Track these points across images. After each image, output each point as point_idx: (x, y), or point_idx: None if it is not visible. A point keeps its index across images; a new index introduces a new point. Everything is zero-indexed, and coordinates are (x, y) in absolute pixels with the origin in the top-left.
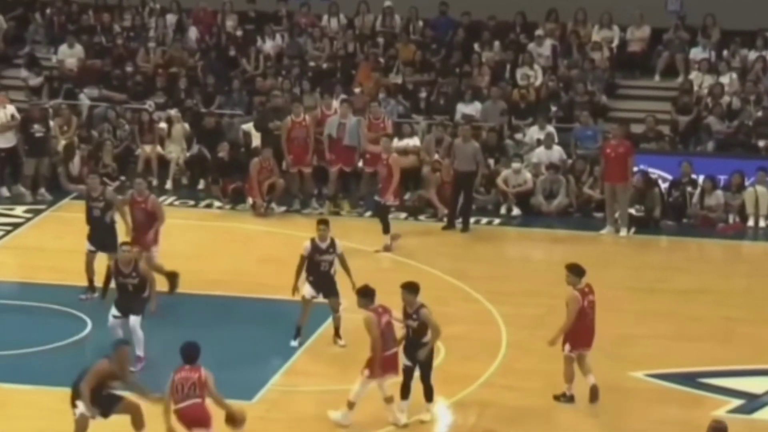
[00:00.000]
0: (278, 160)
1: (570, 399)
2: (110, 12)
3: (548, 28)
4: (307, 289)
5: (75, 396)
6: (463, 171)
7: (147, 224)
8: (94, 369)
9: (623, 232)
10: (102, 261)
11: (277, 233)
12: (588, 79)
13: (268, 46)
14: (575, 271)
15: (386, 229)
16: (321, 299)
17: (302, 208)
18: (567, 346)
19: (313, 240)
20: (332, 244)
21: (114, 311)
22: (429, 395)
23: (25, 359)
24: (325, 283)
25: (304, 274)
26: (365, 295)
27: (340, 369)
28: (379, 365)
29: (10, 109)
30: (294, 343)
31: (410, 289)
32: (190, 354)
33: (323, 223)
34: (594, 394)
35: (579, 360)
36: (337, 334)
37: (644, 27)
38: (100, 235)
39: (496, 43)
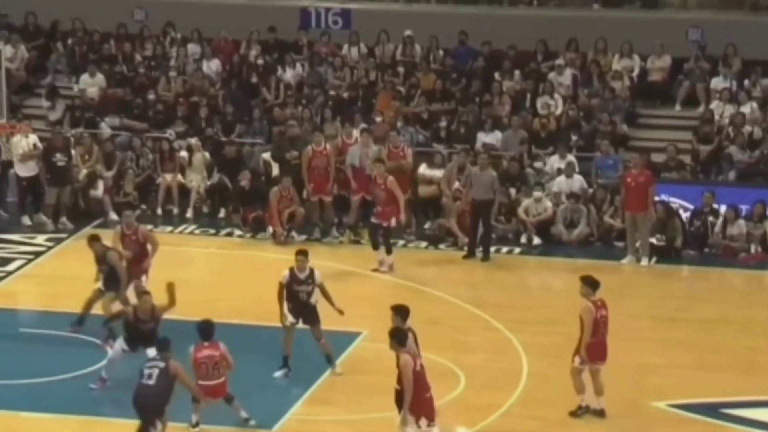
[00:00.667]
0: (298, 188)
1: (586, 410)
2: (131, 41)
3: (569, 58)
4: (287, 316)
5: (153, 416)
6: (480, 200)
7: (141, 255)
8: (181, 371)
9: (644, 262)
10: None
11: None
12: (608, 108)
13: (289, 75)
14: (589, 282)
15: (389, 250)
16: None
17: (322, 236)
18: (577, 359)
19: (291, 269)
20: (311, 275)
21: (123, 345)
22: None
23: (44, 388)
24: (304, 312)
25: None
26: (395, 336)
27: (362, 399)
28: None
29: (33, 138)
30: (278, 374)
31: (398, 312)
32: (207, 330)
33: (302, 253)
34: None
35: (593, 376)
36: (329, 361)
37: (665, 56)
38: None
39: (517, 73)
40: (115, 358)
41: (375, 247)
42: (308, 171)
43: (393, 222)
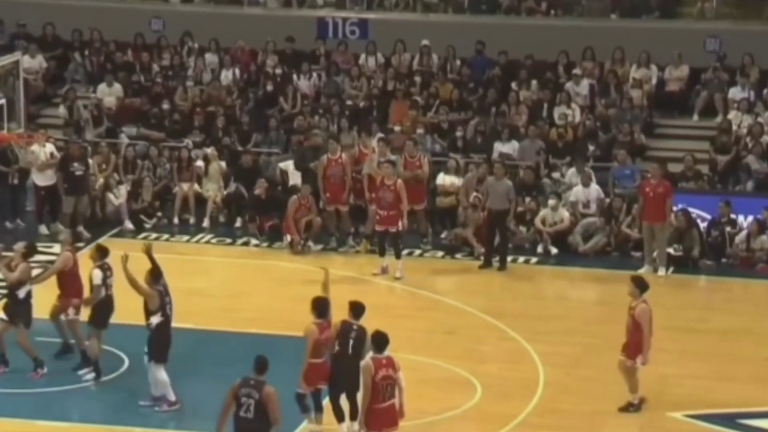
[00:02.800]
0: (315, 198)
1: (638, 408)
2: (149, 51)
3: (585, 67)
4: None
5: None
6: (496, 210)
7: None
8: (273, 400)
9: (661, 272)
10: None
11: (313, 271)
12: (626, 118)
13: (306, 84)
14: (638, 283)
15: (398, 255)
16: None
17: (339, 246)
18: (639, 359)
19: None
20: None
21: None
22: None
23: (61, 397)
24: None
25: None
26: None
27: None
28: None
29: (50, 147)
30: None
31: (354, 309)
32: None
33: None
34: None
35: (634, 373)
36: None
37: (683, 66)
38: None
39: (534, 82)
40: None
41: (382, 253)
42: (324, 180)
43: (400, 226)
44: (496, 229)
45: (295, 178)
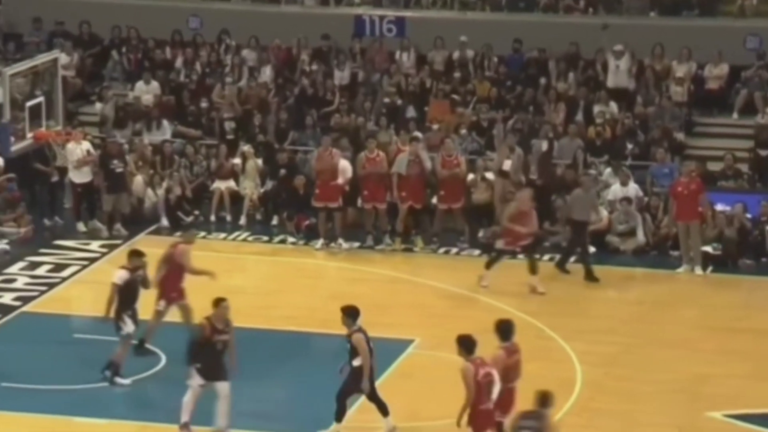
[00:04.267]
0: (353, 195)
1: None
2: (186, 49)
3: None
4: None
5: None
6: (579, 220)
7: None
8: None
9: (698, 271)
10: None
11: (348, 269)
12: (665, 116)
13: (342, 81)
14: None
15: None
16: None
17: (375, 244)
18: None
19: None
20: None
21: (199, 380)
22: (383, 410)
23: (98, 393)
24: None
25: None
26: (462, 344)
27: (413, 407)
28: (475, 419)
29: (86, 144)
30: None
31: (349, 313)
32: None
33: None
34: None
35: None
36: None
37: (722, 65)
38: None
39: (571, 75)
40: (189, 400)
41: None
42: (361, 178)
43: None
44: (578, 239)
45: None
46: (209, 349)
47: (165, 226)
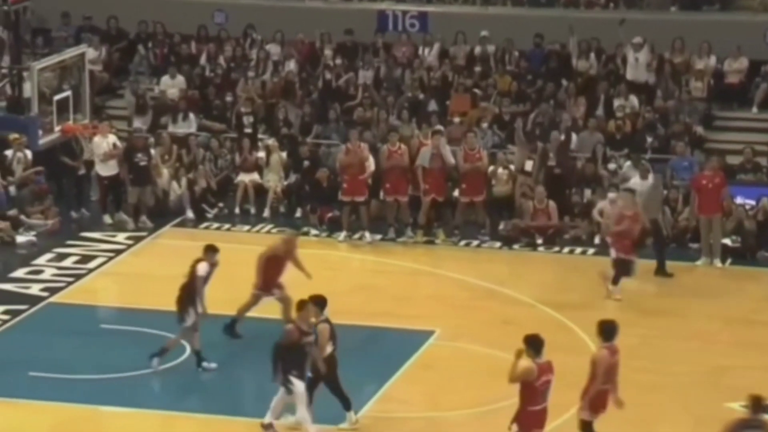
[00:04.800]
0: (376, 187)
1: None
2: (212, 43)
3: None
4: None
5: None
6: (653, 219)
7: None
8: None
9: (717, 263)
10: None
11: (371, 261)
12: (684, 110)
13: (365, 76)
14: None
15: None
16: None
17: (397, 236)
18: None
19: None
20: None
21: (300, 385)
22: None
23: (124, 383)
24: None
25: None
26: (530, 344)
27: (435, 396)
28: (523, 419)
29: (112, 138)
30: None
31: (317, 302)
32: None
33: None
34: None
35: None
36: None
37: (741, 59)
38: None
39: (592, 55)
40: (279, 402)
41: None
42: (384, 171)
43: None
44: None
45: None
46: (297, 352)
47: (190, 218)
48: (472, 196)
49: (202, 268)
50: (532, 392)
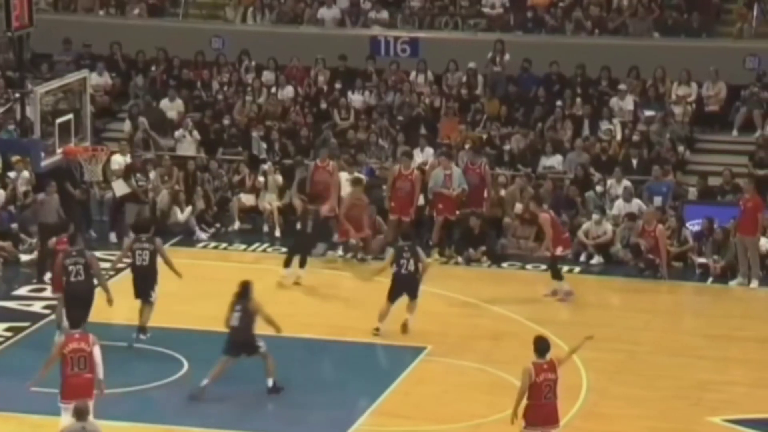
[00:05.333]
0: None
1: None
2: (209, 68)
3: (630, 84)
4: None
5: None
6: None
7: None
8: None
9: (754, 284)
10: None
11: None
12: (667, 133)
13: (359, 100)
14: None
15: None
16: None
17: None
18: None
19: None
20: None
21: None
22: None
23: (124, 398)
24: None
25: None
26: (535, 346)
27: (428, 411)
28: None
29: (128, 158)
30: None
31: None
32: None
33: None
34: None
35: None
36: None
37: (719, 83)
38: None
39: (578, 100)
40: None
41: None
42: (392, 191)
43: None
44: None
45: (347, 188)
46: None
47: (202, 238)
48: (474, 208)
49: None
50: (535, 389)
